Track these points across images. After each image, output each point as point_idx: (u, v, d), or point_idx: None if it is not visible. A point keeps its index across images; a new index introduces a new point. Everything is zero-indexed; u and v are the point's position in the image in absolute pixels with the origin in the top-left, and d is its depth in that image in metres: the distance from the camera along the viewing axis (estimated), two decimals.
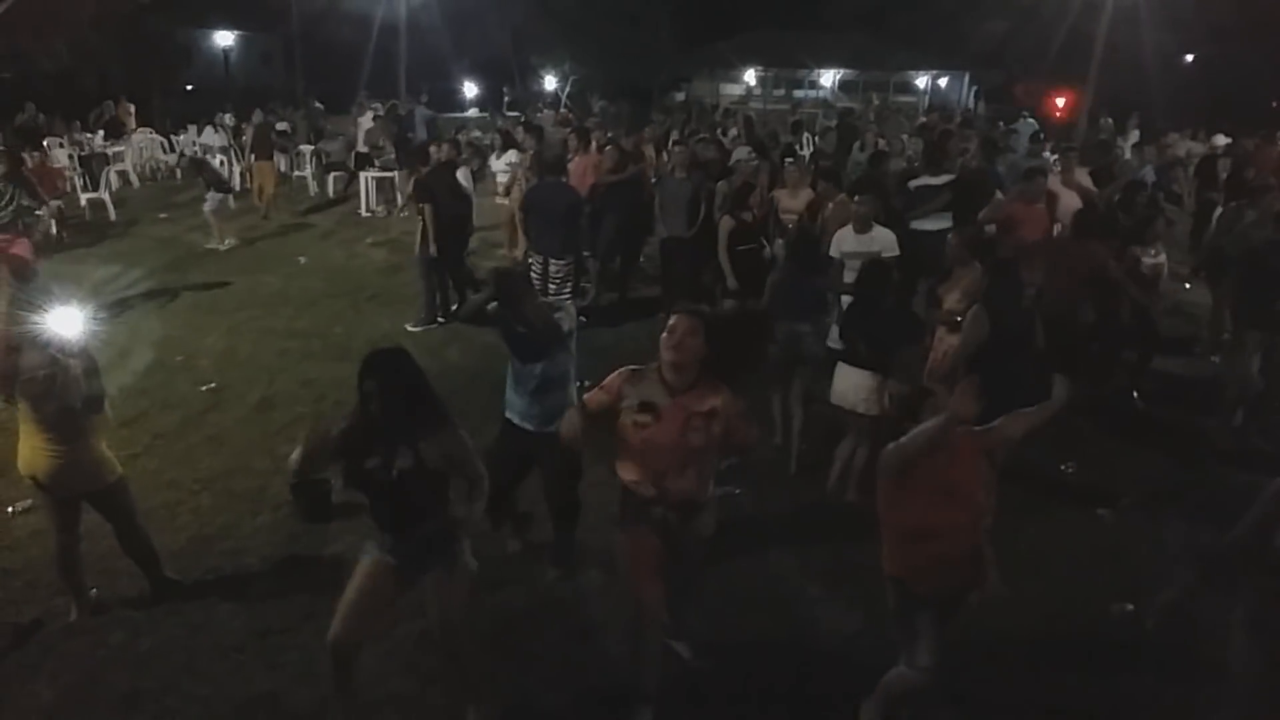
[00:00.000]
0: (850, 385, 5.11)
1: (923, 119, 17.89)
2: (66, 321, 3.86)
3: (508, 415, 4.45)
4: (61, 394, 3.81)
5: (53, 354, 3.81)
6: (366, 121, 15.98)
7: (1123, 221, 7.45)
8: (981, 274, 5.45)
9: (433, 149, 9.61)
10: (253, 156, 13.52)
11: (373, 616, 3.28)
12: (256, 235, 12.10)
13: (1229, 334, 7.34)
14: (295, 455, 3.24)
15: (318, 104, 19.54)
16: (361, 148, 14.29)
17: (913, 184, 8.02)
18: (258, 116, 15.21)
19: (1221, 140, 14.83)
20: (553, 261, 7.81)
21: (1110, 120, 17.99)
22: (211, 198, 11.15)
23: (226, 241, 11.25)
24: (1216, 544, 3.26)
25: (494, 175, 10.33)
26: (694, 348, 3.23)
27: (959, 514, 3.18)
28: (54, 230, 7.81)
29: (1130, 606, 4.30)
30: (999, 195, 8.00)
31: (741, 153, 10.11)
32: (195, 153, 14.33)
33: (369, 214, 13.25)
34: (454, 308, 8.34)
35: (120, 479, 4.21)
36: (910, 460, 3.17)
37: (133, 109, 17.00)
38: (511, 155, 10.14)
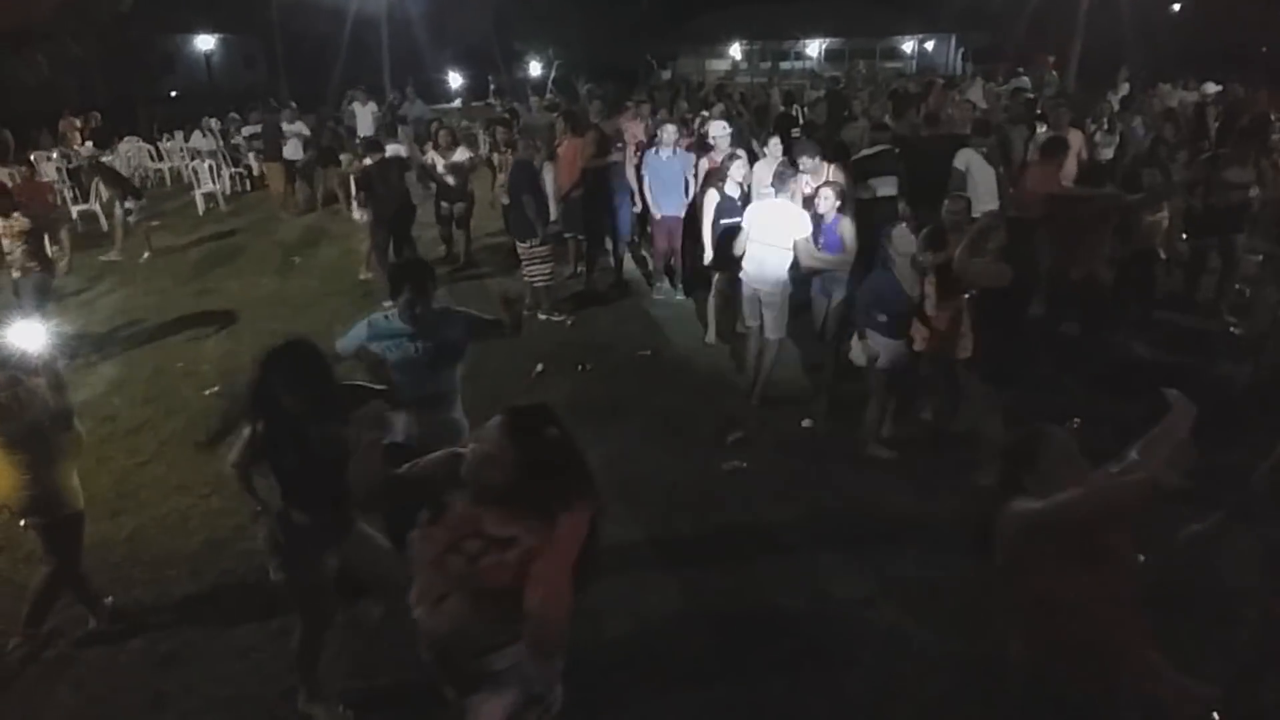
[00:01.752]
0: (858, 347, 5.44)
1: (894, 86, 17.83)
2: (29, 336, 3.77)
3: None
4: (25, 411, 3.71)
5: (13, 371, 3.71)
6: (366, 115, 15.94)
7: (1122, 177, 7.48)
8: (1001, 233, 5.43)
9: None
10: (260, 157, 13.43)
11: None
12: (246, 237, 12.10)
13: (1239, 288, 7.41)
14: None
15: (292, 104, 19.37)
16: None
17: (854, 157, 7.99)
18: (264, 117, 15.17)
19: (1212, 88, 14.67)
20: (518, 244, 8.07)
21: (1055, 74, 17.93)
22: (130, 203, 11.08)
23: (113, 254, 11.09)
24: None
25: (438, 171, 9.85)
26: (495, 475, 2.32)
27: (1104, 583, 2.45)
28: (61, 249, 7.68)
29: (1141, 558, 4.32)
30: (971, 158, 7.84)
31: (718, 128, 10.03)
32: (95, 160, 13.61)
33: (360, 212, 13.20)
34: None
35: (74, 513, 3.99)
36: (1046, 527, 2.44)
37: (78, 123, 16.41)
38: (462, 152, 9.88)
